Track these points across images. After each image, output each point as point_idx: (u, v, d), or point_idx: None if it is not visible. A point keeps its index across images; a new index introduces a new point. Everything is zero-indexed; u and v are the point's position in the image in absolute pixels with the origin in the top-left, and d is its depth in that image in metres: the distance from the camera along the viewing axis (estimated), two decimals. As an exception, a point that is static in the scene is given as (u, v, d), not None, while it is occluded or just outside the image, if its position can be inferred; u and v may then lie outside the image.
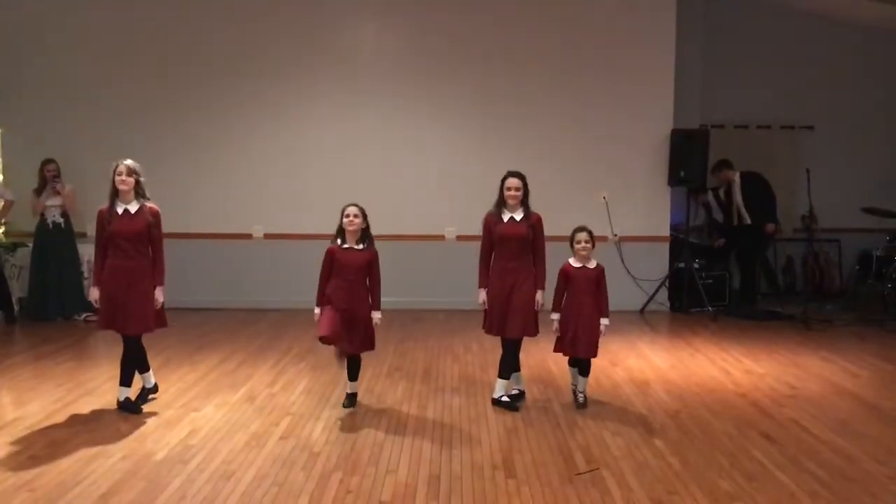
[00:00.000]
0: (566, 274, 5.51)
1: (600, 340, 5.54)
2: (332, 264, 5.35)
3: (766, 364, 6.86)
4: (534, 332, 5.56)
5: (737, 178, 9.51)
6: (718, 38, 10.16)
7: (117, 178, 5.29)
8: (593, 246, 5.51)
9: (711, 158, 9.40)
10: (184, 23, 9.24)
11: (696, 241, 9.70)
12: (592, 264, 5.53)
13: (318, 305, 5.38)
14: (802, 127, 10.36)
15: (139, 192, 5.37)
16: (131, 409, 5.35)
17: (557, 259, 5.59)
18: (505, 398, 5.57)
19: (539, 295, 5.53)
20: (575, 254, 5.51)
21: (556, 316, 5.54)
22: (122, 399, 5.43)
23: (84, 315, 8.52)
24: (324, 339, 5.24)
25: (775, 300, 9.58)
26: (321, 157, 9.30)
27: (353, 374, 5.54)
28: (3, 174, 9.31)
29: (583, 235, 5.48)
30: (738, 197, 9.54)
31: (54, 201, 8.56)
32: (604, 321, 5.50)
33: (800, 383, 6.25)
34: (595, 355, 5.53)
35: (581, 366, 5.59)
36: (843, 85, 10.35)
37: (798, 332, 8.20)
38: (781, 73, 10.28)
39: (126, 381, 5.44)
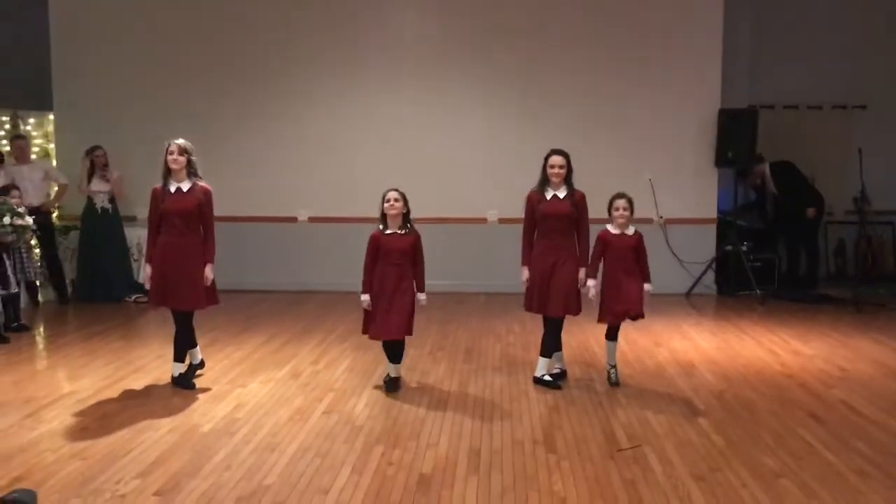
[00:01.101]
0: (604, 241, 5.46)
1: (646, 315, 5.48)
2: (377, 250, 5.39)
3: (815, 346, 6.73)
4: (576, 310, 5.52)
5: (767, 170, 9.46)
6: (768, 15, 9.95)
7: (169, 157, 5.38)
8: (632, 213, 5.44)
9: (760, 139, 9.22)
10: (231, 10, 9.35)
11: (743, 223, 9.54)
12: (631, 231, 5.47)
13: (364, 292, 5.42)
14: (855, 106, 10.10)
15: (191, 171, 5.45)
16: (185, 385, 5.47)
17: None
18: (546, 377, 5.55)
19: (582, 273, 5.49)
20: (613, 220, 5.46)
21: (592, 282, 5.49)
22: (176, 375, 5.55)
23: (134, 297, 8.73)
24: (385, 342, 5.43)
25: (827, 283, 9.44)
26: (365, 141, 9.34)
27: (397, 357, 5.57)
28: (56, 159, 9.55)
29: (621, 202, 5.42)
30: (772, 188, 9.51)
31: (103, 187, 8.75)
32: (647, 286, 5.44)
33: (850, 365, 6.12)
34: (642, 314, 5.42)
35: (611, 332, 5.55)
36: (898, 62, 10.07)
37: (849, 314, 8.02)
38: (833, 52, 10.02)
39: (180, 357, 5.57)
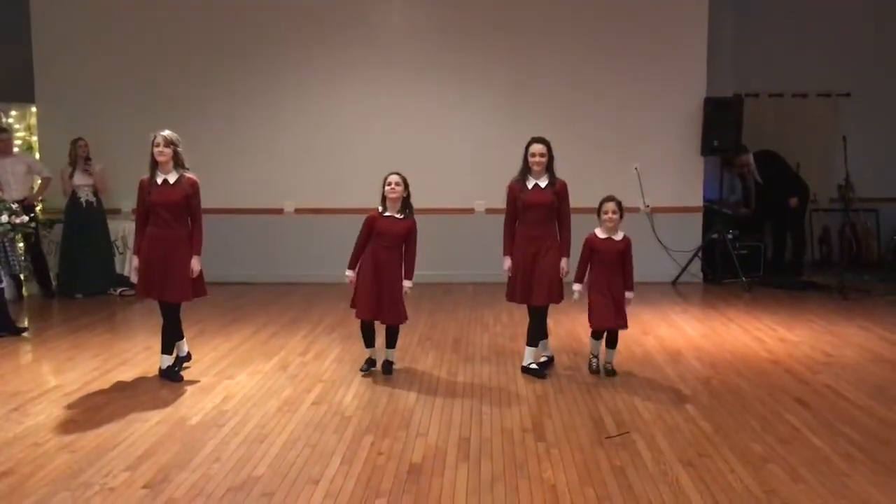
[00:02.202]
0: (591, 245, 5.43)
1: (628, 313, 5.50)
2: (371, 231, 5.40)
3: (801, 332, 6.78)
4: (559, 298, 5.53)
5: (751, 159, 9.51)
6: (753, 3, 9.97)
7: (155, 149, 5.34)
8: (621, 217, 5.40)
9: (746, 128, 9.26)
10: (217, 1, 9.26)
11: (729, 211, 9.58)
12: (619, 236, 5.42)
13: (350, 268, 5.46)
14: (839, 94, 10.15)
15: (178, 162, 5.42)
16: (172, 377, 5.44)
17: (587, 230, 5.53)
18: (534, 365, 5.56)
19: (564, 262, 5.48)
20: (601, 224, 5.43)
21: (578, 287, 5.47)
22: (163, 367, 5.52)
23: (120, 290, 8.67)
24: (363, 323, 5.49)
25: (812, 271, 9.51)
26: (351, 132, 9.30)
27: (391, 342, 5.60)
28: (39, 151, 9.46)
29: (610, 206, 5.37)
30: (757, 177, 9.60)
31: (86, 181, 8.67)
32: (628, 294, 5.43)
33: (835, 351, 6.17)
34: (626, 327, 5.48)
35: (610, 338, 5.52)
36: (881, 50, 10.12)
37: (834, 301, 8.07)
38: (817, 39, 10.08)
39: (167, 349, 5.53)
